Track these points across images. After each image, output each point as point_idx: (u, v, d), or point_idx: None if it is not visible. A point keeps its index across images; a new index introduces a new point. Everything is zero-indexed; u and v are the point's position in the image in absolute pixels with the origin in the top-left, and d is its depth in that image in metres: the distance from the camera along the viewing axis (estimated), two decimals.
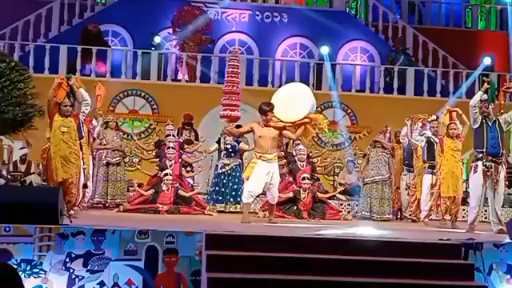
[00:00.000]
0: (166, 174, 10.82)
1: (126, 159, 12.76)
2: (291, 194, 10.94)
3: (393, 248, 6.71)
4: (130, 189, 11.83)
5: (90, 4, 17.90)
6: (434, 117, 11.07)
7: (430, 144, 10.60)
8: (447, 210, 9.89)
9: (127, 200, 11.32)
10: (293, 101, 9.09)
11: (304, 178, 10.98)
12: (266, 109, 9.05)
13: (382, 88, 16.83)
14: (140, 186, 11.97)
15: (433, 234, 7.98)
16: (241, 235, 6.90)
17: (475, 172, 9.04)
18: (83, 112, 8.76)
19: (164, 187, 10.77)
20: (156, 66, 16.48)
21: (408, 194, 11.58)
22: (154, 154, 11.71)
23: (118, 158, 11.71)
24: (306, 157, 11.36)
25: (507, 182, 9.95)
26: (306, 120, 9.08)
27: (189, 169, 11.95)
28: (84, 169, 8.64)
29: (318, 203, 11.06)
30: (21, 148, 13.14)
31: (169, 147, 11.10)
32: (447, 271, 6.37)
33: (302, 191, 10.92)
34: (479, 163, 8.98)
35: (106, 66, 16.34)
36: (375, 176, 11.58)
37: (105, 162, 11.55)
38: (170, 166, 11.00)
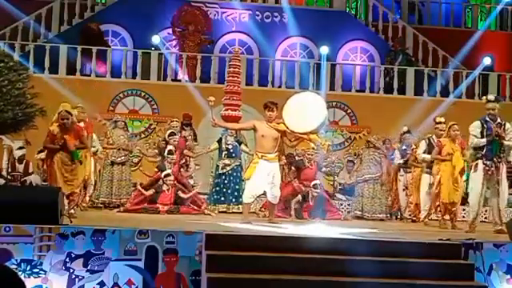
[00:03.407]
0: (166, 175, 10.79)
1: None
2: (299, 198, 10.95)
3: (393, 248, 6.71)
4: (132, 188, 11.85)
5: (89, 4, 17.89)
6: (442, 119, 10.97)
7: (429, 145, 10.59)
8: (446, 211, 9.88)
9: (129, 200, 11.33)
10: (305, 114, 8.88)
11: (316, 186, 11.02)
12: (271, 105, 9.07)
13: (382, 88, 16.83)
14: (140, 185, 11.98)
15: (433, 234, 7.97)
16: (241, 235, 6.91)
17: (475, 171, 9.04)
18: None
19: (165, 187, 10.75)
20: (156, 65, 16.48)
21: (406, 194, 11.61)
22: (156, 152, 11.68)
23: (122, 158, 11.74)
24: (312, 157, 11.36)
25: (508, 182, 9.91)
26: (305, 137, 9.12)
27: (182, 170, 11.87)
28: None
29: (318, 203, 11.08)
30: (18, 148, 13.11)
31: (170, 151, 11.02)
32: (447, 271, 6.37)
33: (310, 197, 10.97)
34: (479, 162, 8.98)
35: (105, 66, 16.34)
36: (366, 175, 11.74)
37: (109, 161, 11.56)
38: (170, 168, 10.99)
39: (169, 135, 11.43)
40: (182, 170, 11.48)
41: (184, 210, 10.66)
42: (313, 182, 11.09)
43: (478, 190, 9.02)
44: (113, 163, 11.60)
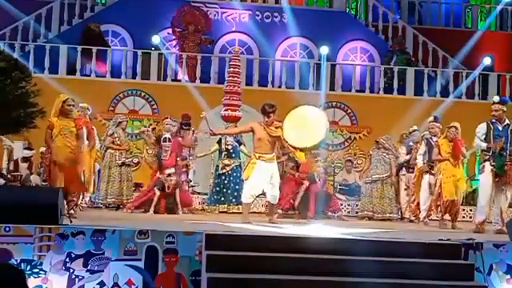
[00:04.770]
0: (168, 174, 10.76)
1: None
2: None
3: (393, 248, 6.71)
4: (133, 188, 11.88)
5: (89, 4, 17.90)
6: (431, 118, 11.05)
7: (428, 144, 10.61)
8: (447, 210, 9.89)
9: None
10: (304, 131, 8.83)
11: (320, 169, 11.37)
12: (268, 110, 9.04)
13: (382, 88, 16.83)
14: (140, 185, 11.99)
15: (433, 234, 7.97)
16: (241, 235, 6.91)
17: (482, 172, 9.04)
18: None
19: (166, 184, 10.73)
20: (156, 65, 16.48)
21: (407, 194, 11.62)
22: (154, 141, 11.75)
23: (130, 159, 11.81)
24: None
25: None
26: (293, 150, 9.19)
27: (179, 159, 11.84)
28: (83, 171, 8.65)
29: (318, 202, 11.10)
30: (26, 148, 13.14)
31: (165, 139, 11.05)
32: (447, 271, 6.37)
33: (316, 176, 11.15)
34: (486, 164, 8.98)
35: (105, 66, 16.34)
36: (373, 175, 11.74)
37: (120, 162, 11.56)
38: (166, 156, 10.99)
39: (163, 119, 11.80)
40: (178, 159, 11.44)
41: (181, 197, 10.70)
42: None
43: (487, 191, 9.01)
44: (123, 164, 11.60)
